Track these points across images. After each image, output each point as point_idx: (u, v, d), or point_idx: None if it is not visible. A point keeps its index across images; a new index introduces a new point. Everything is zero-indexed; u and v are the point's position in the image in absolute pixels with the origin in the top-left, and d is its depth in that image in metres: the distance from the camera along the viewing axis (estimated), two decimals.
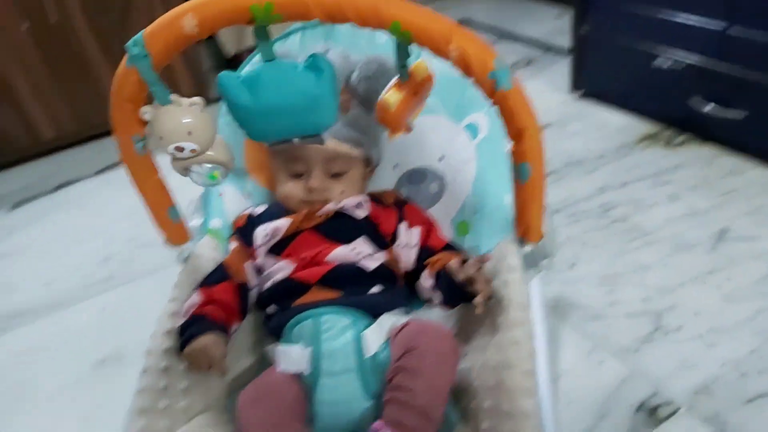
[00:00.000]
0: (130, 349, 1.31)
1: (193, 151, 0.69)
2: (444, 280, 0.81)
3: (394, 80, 0.74)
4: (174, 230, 0.85)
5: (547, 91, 2.15)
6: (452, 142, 0.97)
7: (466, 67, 0.60)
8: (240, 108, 0.71)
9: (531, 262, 0.80)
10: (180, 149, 0.68)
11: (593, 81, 2.02)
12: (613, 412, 1.06)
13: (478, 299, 0.73)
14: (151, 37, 0.59)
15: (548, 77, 2.25)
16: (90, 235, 1.74)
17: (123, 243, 1.67)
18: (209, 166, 0.73)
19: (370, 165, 0.95)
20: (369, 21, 0.56)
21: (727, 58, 1.59)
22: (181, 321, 0.79)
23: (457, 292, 0.78)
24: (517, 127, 0.64)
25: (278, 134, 0.76)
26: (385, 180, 1.01)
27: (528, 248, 0.78)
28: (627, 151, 1.78)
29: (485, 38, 0.66)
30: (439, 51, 0.59)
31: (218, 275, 0.85)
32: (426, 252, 0.89)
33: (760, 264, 1.32)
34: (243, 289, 0.86)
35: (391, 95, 0.74)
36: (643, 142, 1.81)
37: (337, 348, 0.76)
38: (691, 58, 1.67)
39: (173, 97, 0.67)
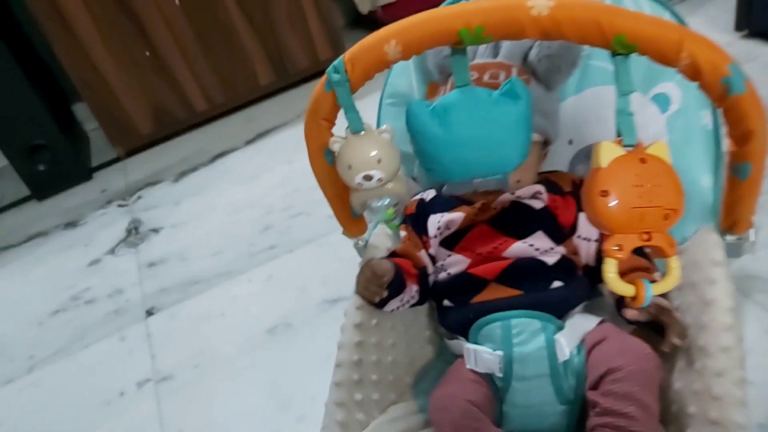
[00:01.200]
0: (297, 317, 1.40)
1: (380, 180, 0.69)
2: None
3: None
4: (353, 225, 0.88)
5: (707, 30, 1.91)
6: (638, 115, 0.88)
7: (695, 74, 0.56)
8: (429, 139, 0.68)
9: (734, 253, 0.74)
10: (368, 178, 0.68)
11: (765, 16, 1.77)
12: None
13: (674, 341, 0.69)
14: (352, 63, 0.60)
15: (709, 13, 2.01)
16: (248, 204, 1.85)
17: (279, 212, 1.76)
18: (387, 202, 0.73)
19: (547, 146, 0.89)
20: (590, 37, 0.53)
21: None
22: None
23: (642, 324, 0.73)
24: (746, 129, 0.59)
25: (463, 171, 0.70)
26: (560, 157, 0.94)
27: (733, 238, 0.73)
28: None
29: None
30: (668, 60, 0.55)
31: (395, 257, 0.86)
32: None
33: None
34: (421, 269, 0.86)
35: (609, 145, 0.62)
36: None
37: (529, 353, 0.74)
38: None
39: (366, 125, 0.68)
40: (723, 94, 0.57)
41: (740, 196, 0.67)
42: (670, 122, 0.86)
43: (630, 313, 0.73)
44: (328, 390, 0.78)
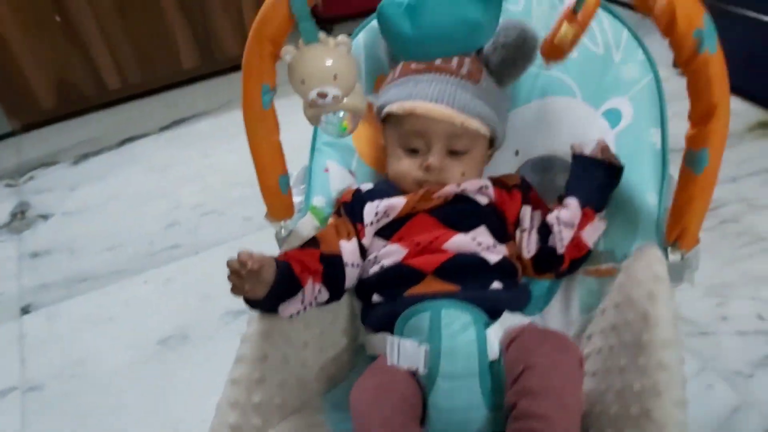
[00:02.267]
0: (194, 329, 1.28)
1: (335, 98, 0.64)
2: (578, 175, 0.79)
3: (563, 10, 0.64)
4: (279, 202, 0.80)
5: None
6: (587, 129, 0.85)
7: (669, 22, 0.55)
8: (399, 37, 0.75)
9: (676, 275, 0.70)
10: (323, 95, 0.64)
11: None
12: None
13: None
14: None
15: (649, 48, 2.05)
16: (154, 197, 1.69)
17: (188, 209, 1.62)
18: (341, 115, 0.68)
19: (493, 146, 0.85)
20: None
21: None
22: None
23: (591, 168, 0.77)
24: (710, 102, 0.57)
25: (429, 57, 0.78)
26: (505, 166, 0.91)
27: (676, 257, 0.70)
28: (736, 141, 1.60)
29: None
30: (643, 2, 0.55)
31: (305, 245, 0.78)
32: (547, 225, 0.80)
33: None
34: (331, 259, 0.77)
35: (567, 30, 0.63)
36: (755, 131, 1.63)
37: (459, 347, 0.69)
38: None
39: (321, 35, 0.63)
40: (693, 51, 0.56)
41: (692, 196, 0.65)
42: (619, 138, 0.84)
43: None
44: None
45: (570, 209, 0.77)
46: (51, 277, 1.47)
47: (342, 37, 0.65)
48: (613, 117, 0.84)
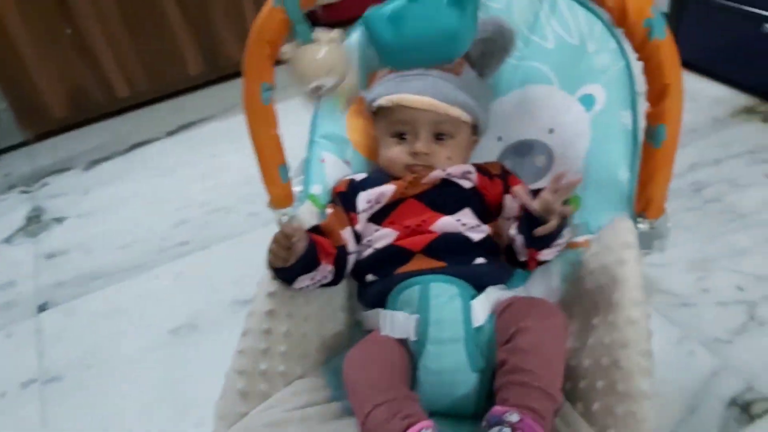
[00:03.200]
0: (203, 318, 1.33)
1: (331, 88, 0.71)
2: (524, 219, 0.79)
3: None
4: (280, 191, 0.86)
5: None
6: (564, 114, 0.91)
7: (621, 12, 0.60)
8: (382, 43, 0.77)
9: (645, 243, 0.76)
10: (319, 87, 0.70)
11: (688, 47, 1.84)
12: (704, 406, 1.00)
13: (541, 229, 0.73)
14: None
15: None
16: (163, 198, 1.76)
17: (196, 207, 1.68)
18: (333, 82, 0.75)
19: (476, 132, 0.91)
20: None
21: None
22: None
23: (533, 224, 0.75)
24: (663, 83, 0.62)
25: (411, 65, 0.82)
26: (488, 152, 0.97)
27: (645, 226, 0.76)
28: (721, 126, 1.66)
29: None
30: None
31: (315, 232, 0.84)
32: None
33: None
34: (340, 250, 0.84)
35: None
36: (739, 116, 1.69)
37: (446, 316, 0.75)
38: None
39: (315, 33, 0.69)
40: (645, 38, 0.61)
41: (654, 167, 0.70)
42: (594, 121, 0.89)
43: (519, 192, 0.75)
44: None
45: (519, 241, 0.81)
46: (66, 276, 1.52)
47: (334, 32, 0.71)
48: (587, 102, 0.90)
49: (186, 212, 1.67)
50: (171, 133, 2.09)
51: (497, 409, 0.65)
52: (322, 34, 0.70)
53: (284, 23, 0.66)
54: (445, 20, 0.75)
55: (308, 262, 0.78)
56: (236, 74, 2.22)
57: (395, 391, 0.69)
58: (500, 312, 0.76)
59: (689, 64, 1.87)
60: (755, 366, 1.05)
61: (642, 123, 0.83)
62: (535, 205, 0.73)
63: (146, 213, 1.71)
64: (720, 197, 1.41)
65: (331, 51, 0.70)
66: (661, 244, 0.79)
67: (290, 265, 0.76)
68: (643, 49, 0.62)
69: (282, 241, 0.74)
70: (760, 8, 1.62)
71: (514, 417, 0.63)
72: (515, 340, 0.71)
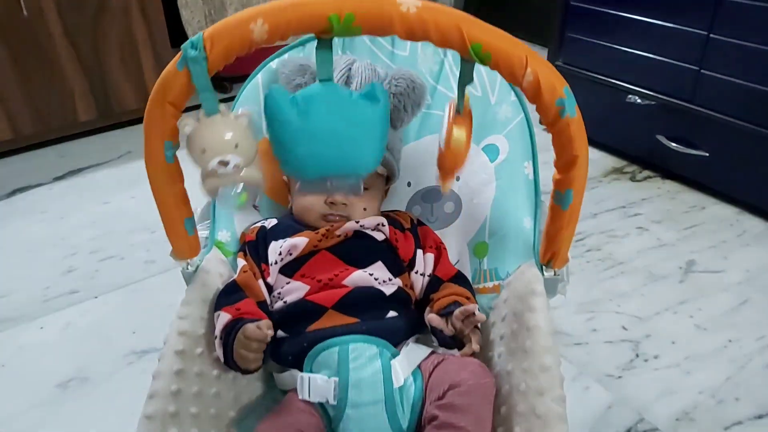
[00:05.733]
0: (96, 370, 1.24)
1: (236, 166, 0.64)
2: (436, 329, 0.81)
3: (448, 115, 0.70)
4: (185, 243, 0.80)
5: None
6: (470, 163, 0.92)
7: (535, 92, 0.60)
8: (286, 126, 0.64)
9: (551, 289, 0.80)
10: (224, 163, 0.63)
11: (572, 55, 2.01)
12: None
13: (465, 350, 0.76)
14: (212, 40, 0.55)
15: None
16: (50, 245, 1.64)
17: (86, 255, 1.58)
18: (239, 188, 0.68)
19: (389, 182, 0.93)
20: (450, 41, 0.55)
21: (696, 98, 1.68)
22: (217, 344, 0.76)
23: (447, 341, 0.79)
24: (572, 154, 0.64)
25: (317, 167, 0.67)
26: (398, 198, 0.98)
27: (550, 273, 0.79)
28: (595, 184, 1.84)
29: None
30: (514, 75, 0.59)
31: (235, 296, 0.80)
32: (434, 282, 0.87)
33: (727, 296, 1.39)
34: (263, 307, 0.82)
35: (459, 134, 0.69)
36: (609, 176, 1.88)
37: (365, 378, 0.73)
38: (661, 97, 1.76)
39: (222, 107, 0.63)
40: (557, 116, 0.61)
41: (561, 226, 0.73)
42: (498, 170, 0.94)
43: (435, 320, 0.78)
44: None
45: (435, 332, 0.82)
46: None
47: (243, 110, 0.65)
48: (492, 152, 0.94)
49: (75, 260, 1.57)
50: (58, 179, 1.96)
51: None
52: (228, 111, 0.64)
53: (188, 87, 0.60)
54: (355, 112, 0.65)
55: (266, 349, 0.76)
56: (130, 122, 2.19)
57: None
58: (432, 369, 0.76)
59: None
60: (644, 399, 1.14)
61: (541, 174, 0.90)
62: (448, 331, 0.77)
63: (29, 260, 1.58)
64: (599, 246, 1.55)
65: (239, 127, 0.63)
66: (563, 288, 0.84)
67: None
68: (555, 125, 0.63)
69: (256, 346, 0.72)
70: (624, 82, 1.85)
71: None
72: (448, 397, 0.70)
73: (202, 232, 0.90)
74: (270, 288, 0.84)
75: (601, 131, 1.98)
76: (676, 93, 1.72)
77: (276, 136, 0.65)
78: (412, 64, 0.95)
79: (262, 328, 0.71)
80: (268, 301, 0.83)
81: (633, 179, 1.86)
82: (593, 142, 1.97)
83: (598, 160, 1.96)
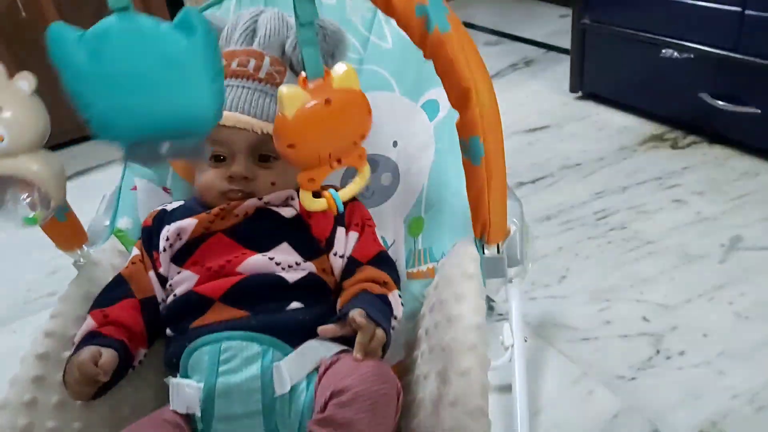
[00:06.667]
0: None
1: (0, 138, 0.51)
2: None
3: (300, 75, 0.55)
4: (59, 232, 0.70)
5: (546, 92, 2.00)
6: (409, 124, 0.82)
7: (386, 2, 0.47)
8: (76, 74, 0.48)
9: (494, 271, 0.66)
10: None
11: (594, 80, 1.87)
12: None
13: (355, 353, 0.61)
14: None
15: (548, 78, 2.10)
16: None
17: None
18: (28, 200, 0.55)
19: None
20: None
21: (742, 47, 1.43)
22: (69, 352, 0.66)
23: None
24: (460, 86, 0.50)
25: (131, 126, 0.50)
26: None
27: (491, 252, 0.65)
28: (628, 154, 1.61)
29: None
30: None
31: (115, 293, 0.71)
32: (350, 265, 0.73)
33: None
34: (149, 305, 0.72)
35: (290, 93, 0.53)
36: (646, 144, 1.64)
37: (237, 384, 0.62)
38: (701, 49, 1.51)
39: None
40: (423, 31, 0.49)
41: (479, 187, 0.59)
42: (437, 130, 0.80)
43: (328, 331, 0.65)
44: None
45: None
46: None
47: (24, 72, 0.53)
48: (431, 108, 0.81)
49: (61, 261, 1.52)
50: None
51: None
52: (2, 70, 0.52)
53: None
54: (163, 47, 0.48)
55: (122, 371, 0.66)
56: None
57: None
58: (322, 373, 0.62)
59: (598, 97, 1.87)
60: (661, 405, 0.94)
61: None
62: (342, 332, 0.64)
63: (18, 262, 1.55)
64: (625, 225, 1.34)
65: (12, 94, 0.52)
66: (521, 271, 0.71)
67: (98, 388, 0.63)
68: (425, 44, 0.51)
69: (82, 381, 0.61)
70: (656, 34, 1.60)
71: None
72: (329, 409, 0.56)
73: (105, 221, 0.82)
74: (165, 280, 0.74)
75: (636, 94, 1.75)
76: (718, 41, 1.46)
77: (69, 88, 0.49)
78: (340, 14, 0.83)
79: (99, 366, 0.60)
80: (160, 297, 0.73)
81: (675, 146, 1.62)
82: (627, 107, 1.78)
83: (633, 127, 1.72)
